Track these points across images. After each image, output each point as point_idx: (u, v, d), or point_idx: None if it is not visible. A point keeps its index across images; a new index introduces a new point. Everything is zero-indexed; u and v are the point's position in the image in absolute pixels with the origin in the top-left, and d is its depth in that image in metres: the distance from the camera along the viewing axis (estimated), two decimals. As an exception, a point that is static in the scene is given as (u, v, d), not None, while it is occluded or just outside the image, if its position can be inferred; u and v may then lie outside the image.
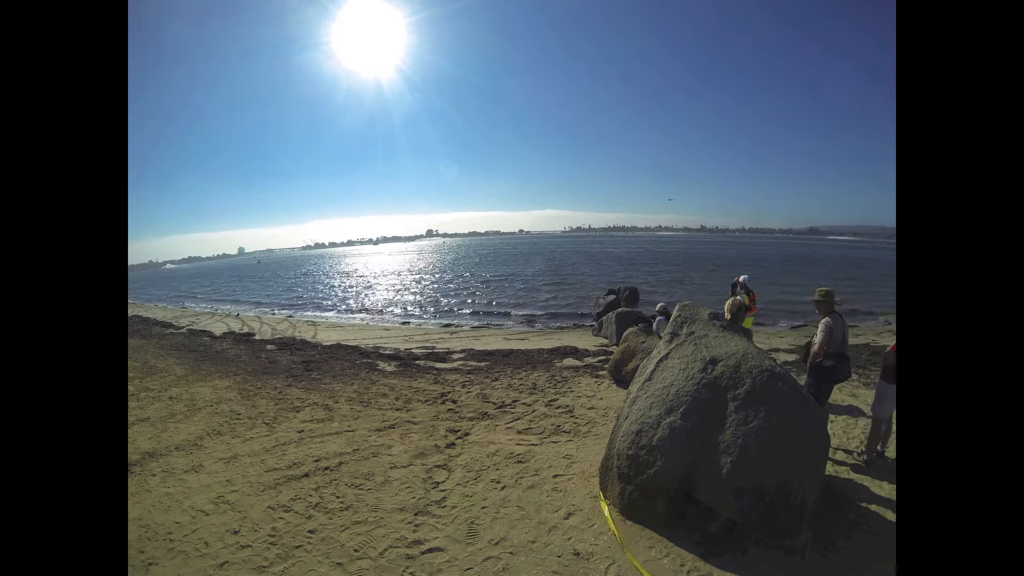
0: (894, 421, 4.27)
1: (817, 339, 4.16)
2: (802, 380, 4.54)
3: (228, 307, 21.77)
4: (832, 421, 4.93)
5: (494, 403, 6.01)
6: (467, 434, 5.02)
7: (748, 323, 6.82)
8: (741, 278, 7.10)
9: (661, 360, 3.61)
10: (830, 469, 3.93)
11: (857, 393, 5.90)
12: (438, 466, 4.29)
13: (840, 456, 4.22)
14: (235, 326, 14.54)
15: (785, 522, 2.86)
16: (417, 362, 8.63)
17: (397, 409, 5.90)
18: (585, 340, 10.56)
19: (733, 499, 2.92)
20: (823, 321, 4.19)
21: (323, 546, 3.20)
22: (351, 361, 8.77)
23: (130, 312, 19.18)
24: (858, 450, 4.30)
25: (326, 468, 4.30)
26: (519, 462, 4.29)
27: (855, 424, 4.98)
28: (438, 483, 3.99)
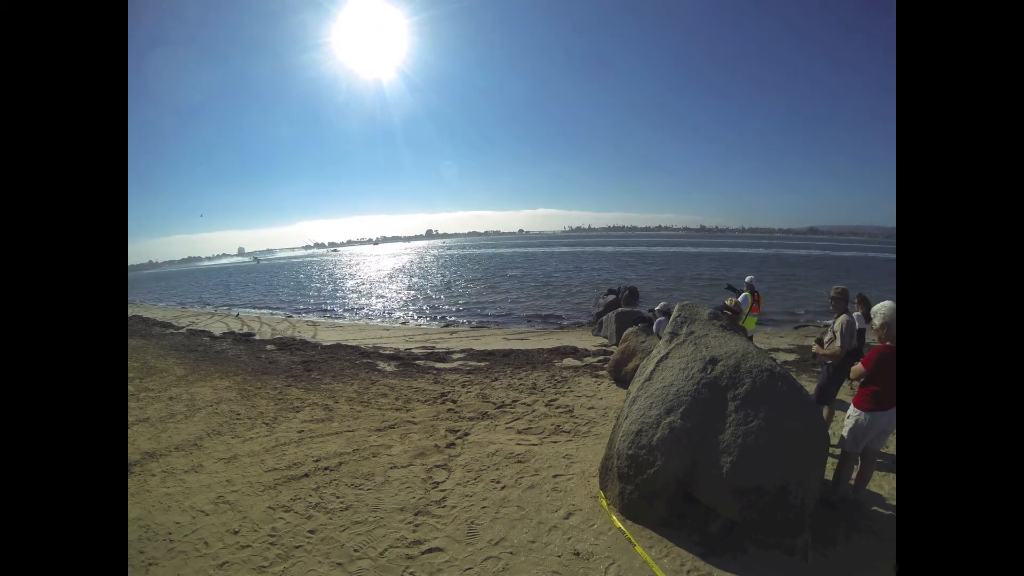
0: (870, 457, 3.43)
1: (838, 341, 4.11)
2: (802, 380, 4.55)
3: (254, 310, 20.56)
4: (835, 420, 4.93)
5: (494, 403, 6.01)
6: (467, 434, 5.01)
7: (751, 323, 6.83)
8: (747, 278, 7.15)
9: (661, 360, 3.60)
10: (830, 469, 3.93)
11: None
12: (438, 466, 4.29)
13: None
14: (235, 326, 14.53)
15: (785, 522, 2.86)
16: (417, 362, 8.63)
17: (397, 409, 5.90)
18: (585, 340, 10.57)
19: (733, 499, 2.92)
20: (842, 319, 4.15)
21: (323, 546, 3.20)
22: (351, 361, 8.77)
23: (130, 312, 19.17)
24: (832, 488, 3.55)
25: (326, 468, 4.29)
26: (519, 462, 4.29)
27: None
28: (438, 483, 3.99)
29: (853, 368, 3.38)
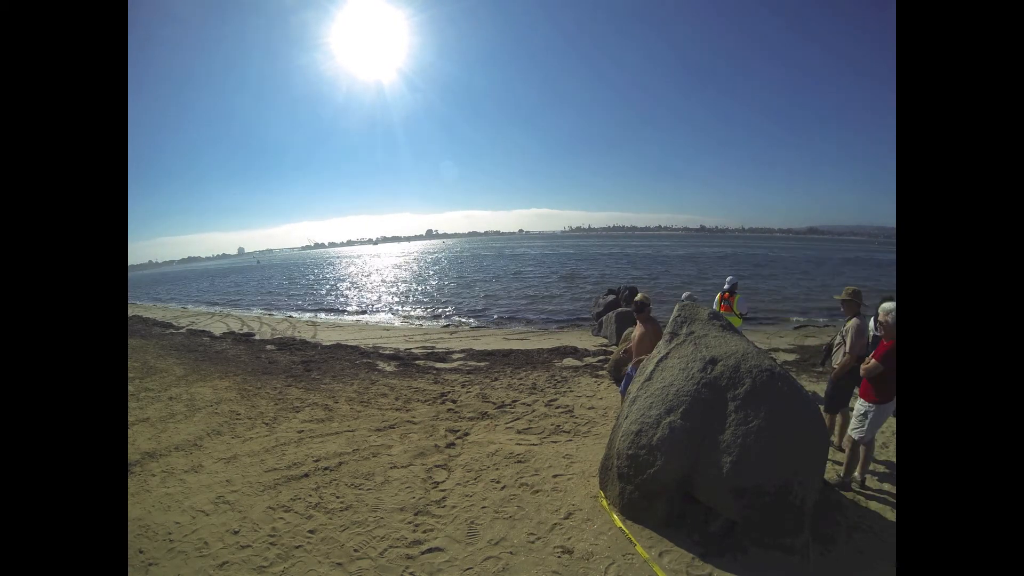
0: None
1: (848, 343, 3.99)
2: (802, 380, 4.50)
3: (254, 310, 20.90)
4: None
5: (494, 403, 6.01)
6: (467, 434, 5.02)
7: (737, 322, 6.82)
8: (728, 279, 7.21)
9: (661, 360, 3.60)
10: (830, 469, 3.93)
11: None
12: (438, 466, 4.29)
13: (840, 456, 4.21)
14: (235, 326, 14.53)
15: (785, 522, 2.86)
16: (417, 362, 8.63)
17: (397, 409, 5.90)
18: (585, 340, 10.56)
19: (733, 499, 2.92)
20: (852, 323, 4.02)
21: (323, 546, 3.20)
22: (351, 361, 8.76)
23: (130, 312, 19.17)
24: (838, 477, 3.81)
25: (326, 468, 4.30)
26: (519, 462, 4.29)
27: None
28: (438, 483, 3.99)
29: (868, 367, 3.49)
